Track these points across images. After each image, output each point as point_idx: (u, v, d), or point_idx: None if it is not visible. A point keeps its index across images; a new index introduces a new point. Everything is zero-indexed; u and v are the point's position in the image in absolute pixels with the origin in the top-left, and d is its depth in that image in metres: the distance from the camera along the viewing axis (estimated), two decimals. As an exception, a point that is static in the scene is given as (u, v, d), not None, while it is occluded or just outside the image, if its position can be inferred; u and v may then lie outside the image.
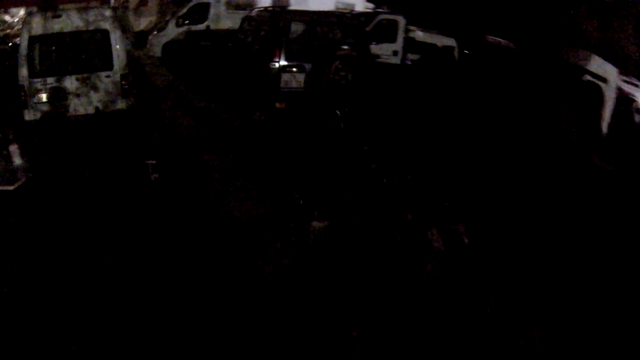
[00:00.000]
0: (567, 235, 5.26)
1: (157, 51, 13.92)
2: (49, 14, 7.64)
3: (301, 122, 8.53)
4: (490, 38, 12.84)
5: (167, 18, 15.01)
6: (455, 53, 12.30)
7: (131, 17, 16.35)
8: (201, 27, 13.84)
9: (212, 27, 13.80)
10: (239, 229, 5.01)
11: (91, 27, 7.68)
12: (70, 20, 7.62)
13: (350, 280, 4.08)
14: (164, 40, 13.84)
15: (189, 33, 13.71)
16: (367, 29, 11.80)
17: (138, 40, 14.94)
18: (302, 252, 4.54)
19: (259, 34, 9.95)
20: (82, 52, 7.80)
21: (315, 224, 4.96)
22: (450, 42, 12.37)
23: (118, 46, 7.80)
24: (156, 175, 6.40)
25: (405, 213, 5.12)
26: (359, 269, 4.25)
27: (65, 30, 7.61)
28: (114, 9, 7.99)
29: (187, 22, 14.03)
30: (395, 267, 4.29)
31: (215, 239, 4.93)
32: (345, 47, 9.72)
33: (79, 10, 7.73)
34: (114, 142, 7.28)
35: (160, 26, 14.65)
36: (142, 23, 16.53)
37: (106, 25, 7.70)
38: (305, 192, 5.68)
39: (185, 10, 13.98)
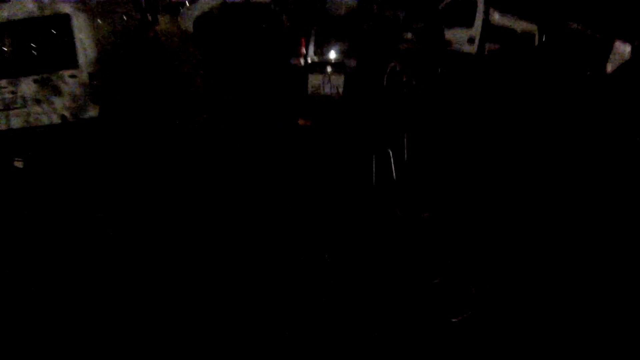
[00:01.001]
0: None
1: (188, 26, 11.95)
2: (-4, -3, 5.82)
3: (330, 161, 5.55)
4: (574, 25, 9.35)
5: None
6: (535, 41, 9.01)
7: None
8: (239, -3, 11.57)
9: (252, -2, 11.48)
10: None
11: (47, 12, 5.76)
12: (22, 5, 5.75)
13: None
14: (196, 13, 11.79)
15: (224, 5, 11.51)
16: (440, 6, 8.90)
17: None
18: None
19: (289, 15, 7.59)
20: (39, 46, 5.92)
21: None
22: (531, 27, 9.04)
23: (83, 35, 5.84)
24: (110, 233, 4.54)
25: None
26: None
27: (15, 18, 5.76)
28: None
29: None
30: None
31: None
32: (409, 35, 6.89)
33: (32, -10, 5.82)
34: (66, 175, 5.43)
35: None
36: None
37: (66, 8, 5.75)
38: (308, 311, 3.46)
39: (220, -23, 11.78)
